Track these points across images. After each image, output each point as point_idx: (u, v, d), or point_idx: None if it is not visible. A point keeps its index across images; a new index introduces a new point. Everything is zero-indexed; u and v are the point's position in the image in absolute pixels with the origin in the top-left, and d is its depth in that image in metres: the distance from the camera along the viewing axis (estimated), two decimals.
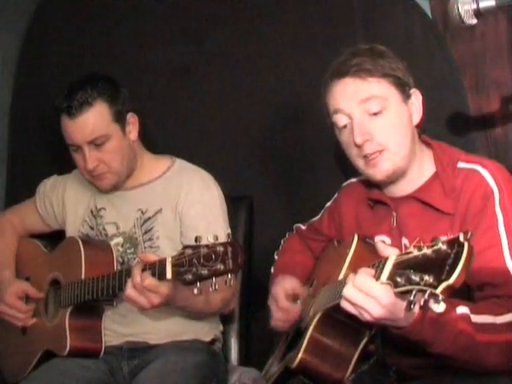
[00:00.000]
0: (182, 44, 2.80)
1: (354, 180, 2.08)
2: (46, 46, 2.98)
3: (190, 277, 1.76)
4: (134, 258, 2.27)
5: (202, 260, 1.74)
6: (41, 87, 2.95)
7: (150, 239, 2.27)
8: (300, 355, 1.76)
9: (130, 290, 1.92)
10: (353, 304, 1.46)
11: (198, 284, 1.76)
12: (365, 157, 1.78)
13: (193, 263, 1.75)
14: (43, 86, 2.94)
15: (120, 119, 2.24)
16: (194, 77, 2.79)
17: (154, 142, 2.56)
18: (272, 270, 2.24)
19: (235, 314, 2.54)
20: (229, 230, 2.22)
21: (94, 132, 2.19)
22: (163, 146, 2.63)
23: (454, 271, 1.24)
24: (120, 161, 2.25)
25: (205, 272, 1.74)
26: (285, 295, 2.04)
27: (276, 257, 2.28)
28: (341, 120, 1.81)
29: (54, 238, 2.49)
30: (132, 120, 2.29)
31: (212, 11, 2.77)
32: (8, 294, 2.31)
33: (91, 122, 2.19)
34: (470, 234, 1.27)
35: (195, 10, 2.79)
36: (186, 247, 1.80)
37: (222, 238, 1.79)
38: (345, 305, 1.49)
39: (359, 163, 1.82)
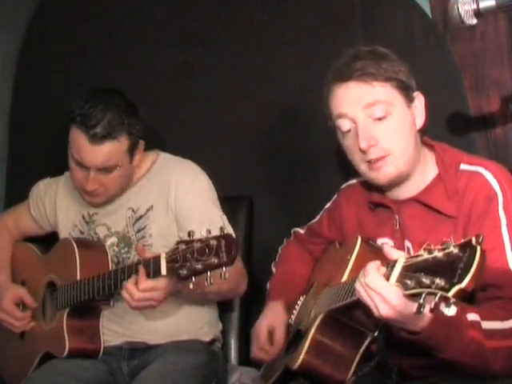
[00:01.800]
0: (182, 44, 2.80)
1: (353, 181, 2.06)
2: (46, 46, 2.98)
3: (184, 272, 1.76)
4: (129, 258, 2.27)
5: (195, 254, 1.74)
6: (41, 87, 2.94)
7: (143, 237, 2.26)
8: (302, 356, 1.76)
9: (131, 307, 1.96)
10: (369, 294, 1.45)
11: (194, 279, 1.77)
12: (368, 162, 1.78)
13: (187, 258, 1.76)
14: (43, 86, 2.94)
15: (132, 150, 2.23)
16: (193, 77, 2.79)
17: (155, 142, 2.56)
18: (268, 285, 2.23)
19: (235, 314, 2.54)
20: (224, 215, 2.22)
21: (107, 161, 2.16)
22: (163, 145, 2.62)
23: (466, 275, 1.23)
24: (119, 186, 2.25)
25: (199, 266, 1.74)
26: (267, 333, 2.04)
27: (273, 269, 2.26)
28: (344, 124, 1.80)
29: (48, 240, 2.49)
30: (140, 147, 2.27)
31: (213, 11, 2.77)
32: (5, 300, 2.30)
33: (108, 152, 2.15)
34: (481, 237, 1.26)
35: (196, 10, 2.79)
36: (179, 242, 1.80)
37: (218, 226, 1.79)
38: (359, 289, 1.47)
39: (362, 167, 1.81)
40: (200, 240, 1.76)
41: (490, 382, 1.57)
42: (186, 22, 2.80)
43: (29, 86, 3.00)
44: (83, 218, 2.36)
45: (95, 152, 2.15)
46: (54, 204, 2.43)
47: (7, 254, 2.46)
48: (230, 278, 1.79)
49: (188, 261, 1.75)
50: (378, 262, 1.46)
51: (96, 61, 2.84)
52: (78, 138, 2.17)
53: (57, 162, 2.47)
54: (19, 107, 3.02)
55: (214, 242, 1.74)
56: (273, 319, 2.06)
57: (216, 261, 1.73)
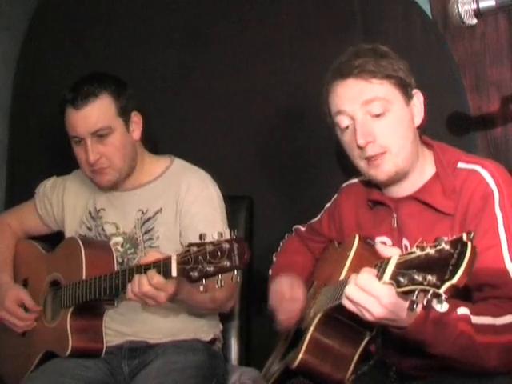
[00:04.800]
0: (182, 44, 2.80)
1: (353, 181, 2.07)
2: (46, 45, 2.98)
3: (195, 274, 1.75)
4: (134, 259, 2.27)
5: (207, 257, 1.74)
6: (41, 87, 2.94)
7: (150, 239, 2.27)
8: (300, 355, 1.76)
9: (131, 296, 1.93)
10: (354, 303, 1.47)
11: (204, 281, 1.76)
12: (367, 158, 1.79)
13: (198, 260, 1.75)
14: (43, 86, 2.94)
15: (124, 115, 2.24)
16: (193, 76, 2.79)
17: (156, 142, 2.56)
18: (270, 271, 2.24)
19: (235, 314, 2.54)
20: (227, 230, 2.21)
21: (97, 123, 2.18)
22: (163, 145, 2.63)
23: (457, 271, 1.24)
24: (122, 157, 2.24)
25: (211, 269, 1.73)
26: (288, 286, 2.03)
27: (274, 258, 2.28)
28: (343, 121, 1.81)
29: (52, 239, 2.49)
30: (136, 119, 2.29)
31: (212, 11, 2.77)
32: (8, 300, 2.30)
33: (95, 112, 2.19)
34: (473, 234, 1.27)
35: (196, 10, 2.79)
36: (190, 245, 1.79)
37: (225, 236, 1.78)
38: (346, 303, 1.49)
39: (361, 164, 1.82)
40: (212, 243, 1.75)
41: (487, 380, 1.58)
42: (185, 21, 2.80)
43: (29, 86, 3.00)
44: (90, 213, 2.37)
45: (82, 116, 2.19)
46: (61, 203, 2.43)
47: (10, 252, 2.46)
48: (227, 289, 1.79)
49: (199, 263, 1.74)
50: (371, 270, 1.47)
51: (96, 61, 2.84)
52: (68, 114, 2.22)
53: (57, 163, 2.48)
54: (19, 107, 3.02)
55: (226, 245, 1.73)
56: (286, 279, 2.05)
57: (228, 264, 1.72)
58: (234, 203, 2.48)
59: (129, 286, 1.94)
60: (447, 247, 1.27)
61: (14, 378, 2.32)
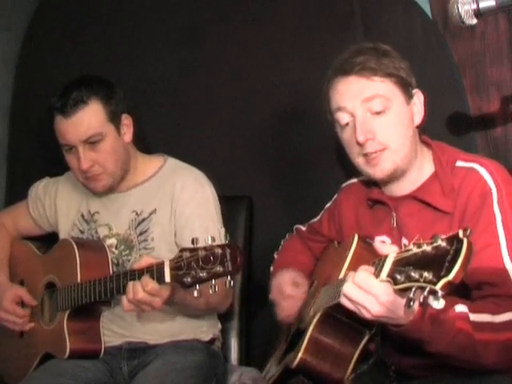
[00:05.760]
0: (182, 43, 2.80)
1: (353, 181, 2.08)
2: (46, 45, 2.98)
3: (188, 280, 1.75)
4: (129, 261, 2.26)
5: (200, 263, 1.73)
6: (41, 87, 2.94)
7: (145, 240, 2.26)
8: (300, 355, 1.76)
9: (127, 306, 1.92)
10: (352, 301, 1.47)
11: (198, 286, 1.76)
12: (365, 155, 1.79)
13: (191, 266, 1.74)
14: (43, 86, 2.93)
15: (114, 119, 2.23)
16: (193, 76, 2.79)
17: (150, 142, 2.56)
18: (271, 268, 2.25)
19: (235, 314, 2.54)
20: (223, 229, 2.22)
21: (88, 130, 2.17)
22: (162, 145, 2.62)
23: (453, 267, 1.24)
24: (115, 162, 2.23)
25: (204, 275, 1.73)
26: (290, 283, 2.04)
27: (275, 255, 2.29)
28: (343, 118, 1.81)
29: (47, 240, 2.49)
30: (126, 122, 2.28)
31: (212, 11, 2.77)
32: (6, 299, 2.30)
33: (86, 120, 2.17)
34: (469, 230, 1.27)
35: (195, 9, 2.79)
36: (183, 250, 1.79)
37: (217, 237, 1.78)
38: (344, 302, 1.49)
39: (359, 161, 1.82)
40: (205, 248, 1.74)
41: (487, 379, 1.58)
42: (184, 22, 2.80)
43: (29, 86, 3.00)
44: (82, 216, 2.36)
45: (72, 124, 2.17)
46: (53, 204, 2.43)
47: (5, 253, 2.45)
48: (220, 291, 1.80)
49: (192, 269, 1.74)
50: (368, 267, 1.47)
51: (96, 61, 2.84)
52: (57, 121, 2.22)
53: (57, 163, 2.47)
54: (19, 107, 3.02)
55: (218, 251, 1.73)
56: (287, 275, 2.06)
57: (221, 269, 1.72)
58: (233, 203, 2.48)
59: (124, 299, 1.93)
60: (443, 244, 1.27)
61: (14, 378, 2.32)
